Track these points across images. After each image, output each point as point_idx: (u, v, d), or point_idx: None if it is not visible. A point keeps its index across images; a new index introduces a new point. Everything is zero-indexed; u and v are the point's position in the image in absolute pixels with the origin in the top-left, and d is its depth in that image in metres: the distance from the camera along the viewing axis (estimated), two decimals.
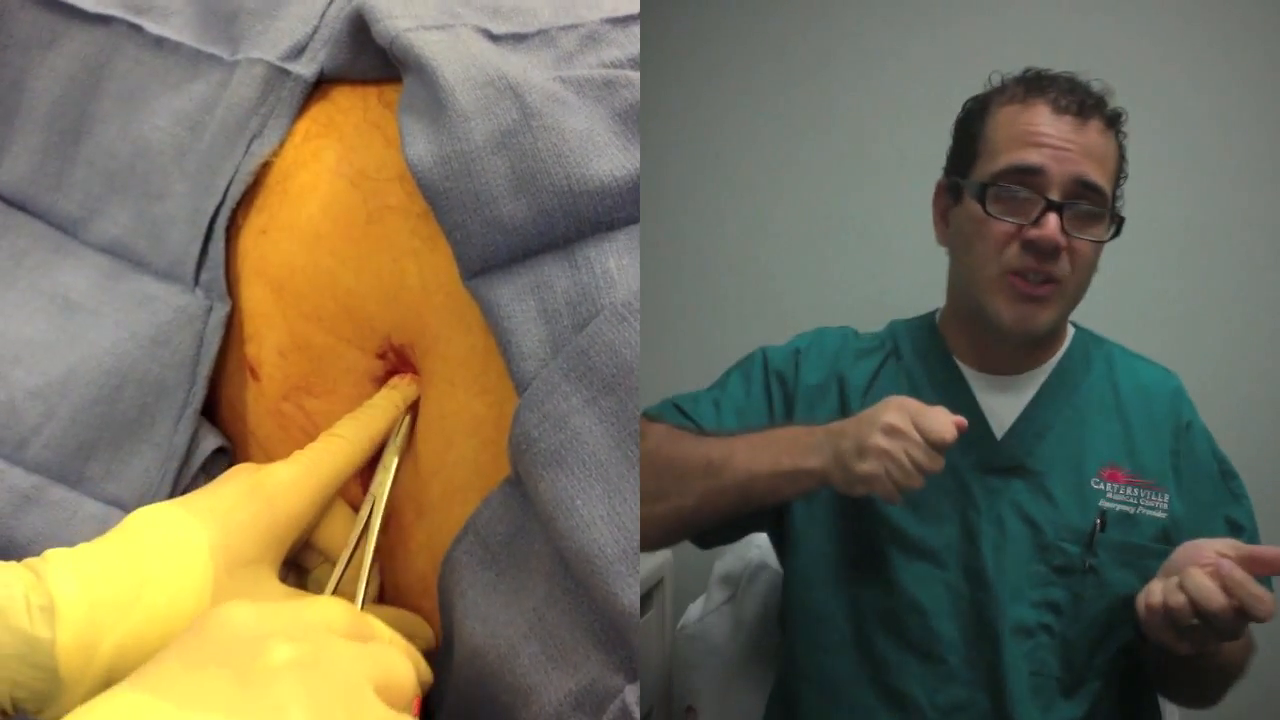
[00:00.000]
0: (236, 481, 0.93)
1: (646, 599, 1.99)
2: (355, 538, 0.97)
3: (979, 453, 1.33)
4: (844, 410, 1.37)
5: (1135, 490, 1.32)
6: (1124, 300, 1.98)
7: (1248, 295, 2.10)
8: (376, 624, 0.88)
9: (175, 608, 0.85)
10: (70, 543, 0.94)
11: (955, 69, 2.17)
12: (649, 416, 1.37)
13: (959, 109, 1.42)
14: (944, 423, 1.15)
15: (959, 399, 1.35)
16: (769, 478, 1.23)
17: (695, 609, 1.82)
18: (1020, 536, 1.31)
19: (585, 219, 0.89)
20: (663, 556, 2.07)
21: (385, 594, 0.99)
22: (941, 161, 1.43)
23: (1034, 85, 1.34)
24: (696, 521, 1.30)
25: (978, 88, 1.40)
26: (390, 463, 0.98)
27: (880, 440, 1.15)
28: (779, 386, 1.42)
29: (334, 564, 0.97)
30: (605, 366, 0.86)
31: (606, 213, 0.89)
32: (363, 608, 0.95)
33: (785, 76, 2.33)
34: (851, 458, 1.16)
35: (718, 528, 1.35)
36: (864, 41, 2.30)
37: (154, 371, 1.00)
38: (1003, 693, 1.28)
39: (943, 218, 1.41)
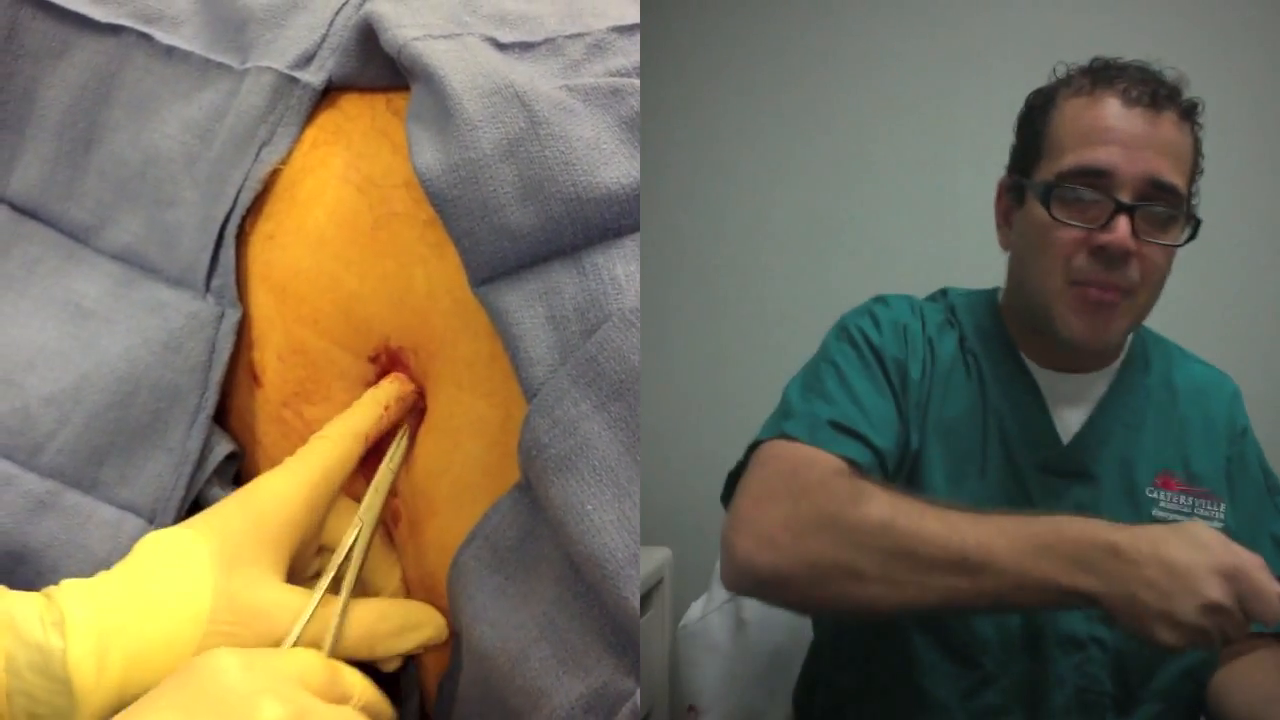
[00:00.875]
0: (234, 497, 0.95)
1: (646, 598, 2.00)
2: (343, 551, 0.97)
3: (1044, 456, 1.28)
4: (926, 394, 1.29)
5: (1189, 499, 1.27)
6: None
7: (1248, 295, 2.10)
8: (349, 676, 0.90)
9: (179, 614, 0.87)
10: (84, 547, 0.96)
11: (955, 69, 2.19)
12: (795, 438, 1.20)
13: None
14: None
15: (1027, 399, 1.30)
16: (1031, 590, 1.04)
17: (697, 608, 1.83)
18: None
19: (593, 226, 0.89)
20: (662, 556, 2.08)
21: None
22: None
23: (1101, 76, 1.26)
24: (923, 613, 1.19)
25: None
26: (384, 483, 0.99)
27: (1198, 619, 1.00)
28: (900, 382, 1.29)
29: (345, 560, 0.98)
30: (614, 372, 0.87)
31: (614, 220, 0.89)
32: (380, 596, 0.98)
33: (785, 76, 2.34)
34: (1154, 619, 1.01)
35: None
36: (864, 41, 2.30)
37: (167, 377, 1.01)
38: (1042, 705, 1.24)
39: (1005, 220, 1.34)
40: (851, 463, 1.18)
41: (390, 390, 0.99)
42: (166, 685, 0.81)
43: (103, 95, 1.07)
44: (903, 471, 1.26)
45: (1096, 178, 1.21)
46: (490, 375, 0.94)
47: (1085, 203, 1.21)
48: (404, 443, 0.99)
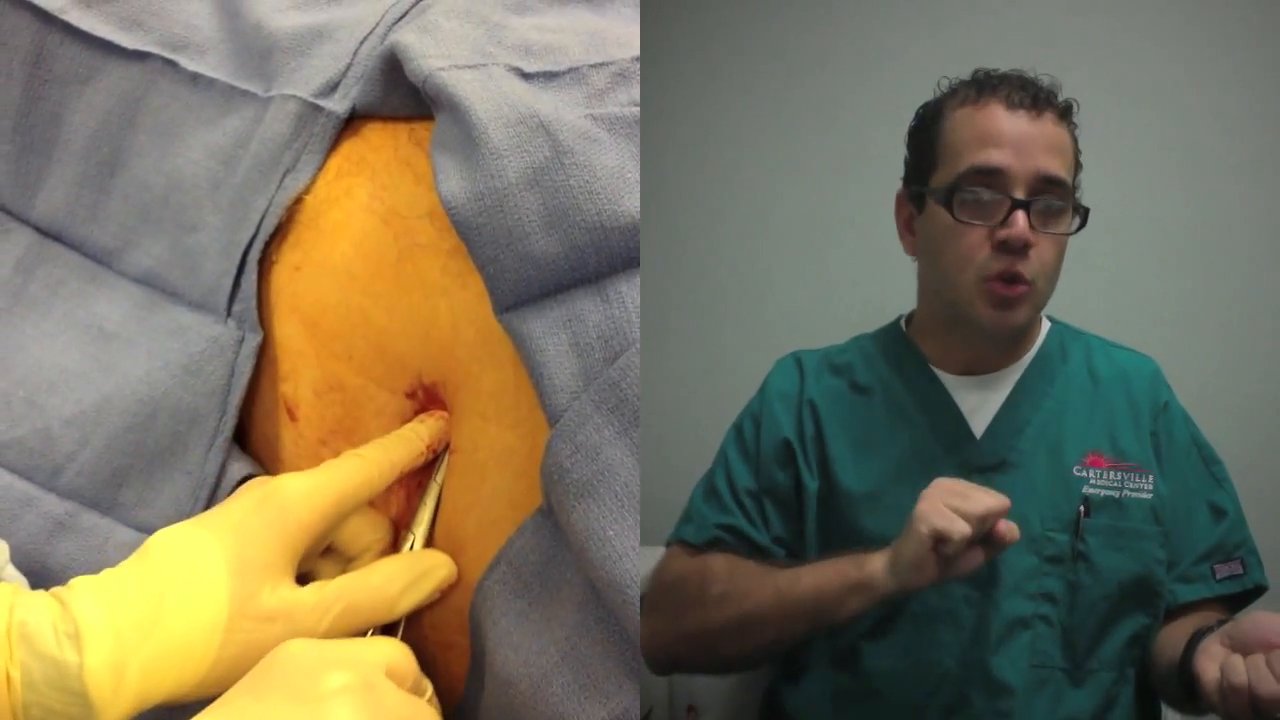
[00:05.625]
0: (250, 494, 0.94)
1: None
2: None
3: (961, 454, 1.33)
4: (819, 443, 1.38)
5: (1118, 474, 1.32)
6: (1125, 300, 1.99)
7: (1248, 295, 2.11)
8: (426, 682, 0.93)
9: (195, 621, 0.87)
10: (102, 569, 0.95)
11: (955, 69, 2.19)
12: (696, 547, 1.38)
13: None
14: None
15: (939, 405, 1.36)
16: (832, 594, 1.22)
17: None
18: None
19: (616, 254, 0.90)
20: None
21: (420, 628, 1.00)
22: None
23: (985, 85, 1.32)
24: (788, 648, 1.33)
25: None
26: (431, 497, 1.01)
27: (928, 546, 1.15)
28: (784, 456, 1.40)
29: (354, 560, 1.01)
30: (637, 399, 0.87)
31: (637, 248, 0.90)
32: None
33: (785, 76, 2.33)
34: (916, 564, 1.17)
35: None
36: (864, 41, 2.30)
37: (186, 400, 1.01)
38: (1000, 688, 1.28)
39: (907, 228, 1.40)
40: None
41: (434, 429, 0.99)
42: (248, 676, 0.83)
43: (128, 121, 1.08)
44: (811, 525, 1.37)
45: (991, 177, 1.27)
46: (516, 405, 0.94)
47: (984, 202, 1.28)
48: (445, 462, 1.01)
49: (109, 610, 0.85)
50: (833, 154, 2.31)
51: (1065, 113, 1.32)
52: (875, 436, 1.36)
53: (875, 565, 1.18)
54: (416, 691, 0.91)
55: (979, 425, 1.35)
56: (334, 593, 0.93)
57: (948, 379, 1.37)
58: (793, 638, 1.27)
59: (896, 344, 1.42)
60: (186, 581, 0.88)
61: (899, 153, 2.16)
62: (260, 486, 0.95)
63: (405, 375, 0.99)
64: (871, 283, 2.24)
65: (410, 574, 0.96)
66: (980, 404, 1.36)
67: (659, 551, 2.07)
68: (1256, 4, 2.14)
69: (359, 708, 0.81)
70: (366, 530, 1.00)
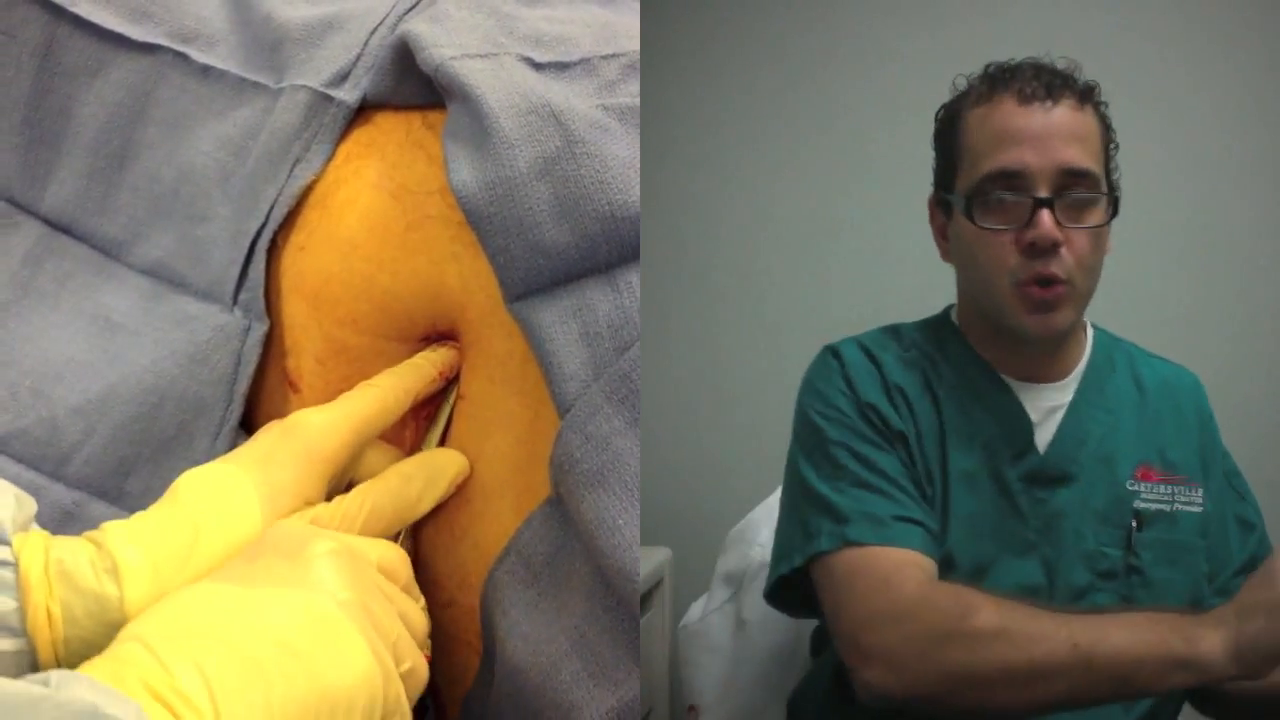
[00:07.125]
0: (272, 431, 0.95)
1: (647, 598, 2.00)
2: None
3: (1026, 465, 1.30)
4: (916, 434, 1.30)
5: (1169, 488, 1.30)
6: (1125, 300, 1.99)
7: (1248, 295, 2.11)
8: (416, 589, 0.93)
9: (231, 549, 0.87)
10: None
11: (955, 69, 2.19)
12: (863, 544, 1.21)
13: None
14: None
15: (1008, 410, 1.32)
16: (1151, 667, 1.09)
17: (697, 608, 1.83)
18: (1068, 546, 1.28)
19: (627, 244, 0.90)
20: (662, 556, 2.08)
21: (423, 583, 0.99)
22: None
23: (997, 80, 1.29)
24: (1054, 708, 1.17)
25: None
26: (441, 418, 1.02)
27: None
28: (894, 430, 1.30)
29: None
30: None
31: None
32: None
33: (785, 76, 2.34)
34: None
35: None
36: (864, 41, 2.31)
37: (192, 389, 1.02)
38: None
39: (941, 234, 1.37)
40: (925, 554, 1.22)
41: (445, 356, 1.00)
42: (244, 548, 0.85)
43: (138, 113, 1.08)
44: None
45: (1012, 179, 1.24)
46: (523, 375, 0.95)
47: (1007, 204, 1.24)
48: (455, 391, 1.02)
49: (144, 546, 0.85)
50: (833, 154, 2.31)
51: (1086, 95, 1.28)
52: (949, 441, 1.31)
53: (1211, 644, 1.07)
54: (409, 594, 0.91)
55: (1041, 437, 1.32)
56: (356, 500, 0.93)
57: (1011, 383, 1.33)
58: (1086, 702, 1.13)
59: (956, 346, 1.37)
60: (219, 512, 0.88)
61: (899, 153, 2.17)
62: (280, 423, 0.95)
63: (416, 328, 1.00)
64: (871, 283, 2.25)
65: (426, 472, 0.97)
66: (1042, 414, 1.32)
67: (659, 551, 2.08)
68: (1257, 4, 2.15)
69: (341, 568, 0.82)
70: (386, 465, 1.00)
